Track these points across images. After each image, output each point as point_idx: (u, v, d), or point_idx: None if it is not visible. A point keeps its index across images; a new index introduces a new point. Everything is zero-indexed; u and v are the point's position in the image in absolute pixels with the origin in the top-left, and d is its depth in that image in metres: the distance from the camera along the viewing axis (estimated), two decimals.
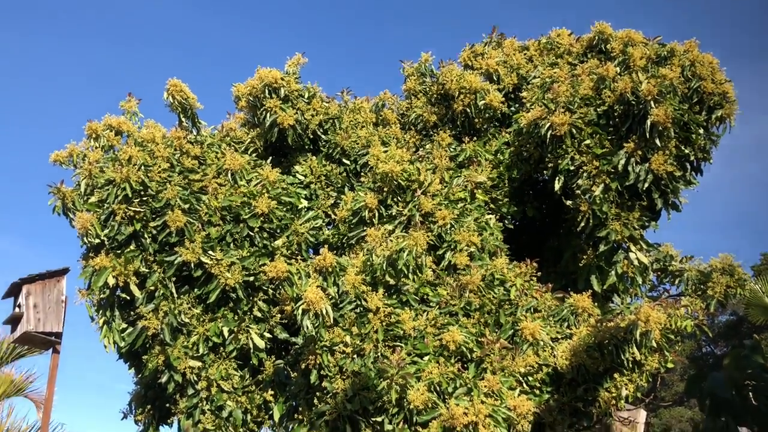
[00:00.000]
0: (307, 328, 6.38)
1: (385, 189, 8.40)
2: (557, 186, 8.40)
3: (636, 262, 7.87)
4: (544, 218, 9.67)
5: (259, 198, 8.19)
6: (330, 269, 6.95)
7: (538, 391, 6.41)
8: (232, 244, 8.07)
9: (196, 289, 7.86)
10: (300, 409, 7.11)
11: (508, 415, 5.87)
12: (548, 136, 8.32)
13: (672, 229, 8.68)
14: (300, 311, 6.36)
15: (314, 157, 9.38)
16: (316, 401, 6.76)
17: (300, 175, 9.21)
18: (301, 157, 9.39)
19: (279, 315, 8.12)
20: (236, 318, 7.90)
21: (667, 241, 9.24)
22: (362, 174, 9.08)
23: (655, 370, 6.14)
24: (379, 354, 6.66)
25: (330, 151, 9.44)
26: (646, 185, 7.79)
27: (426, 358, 6.69)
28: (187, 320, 7.71)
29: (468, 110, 9.51)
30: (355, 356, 6.70)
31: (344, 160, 9.45)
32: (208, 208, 8.10)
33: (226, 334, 7.81)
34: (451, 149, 9.43)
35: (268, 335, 8.07)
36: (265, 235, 8.24)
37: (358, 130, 9.60)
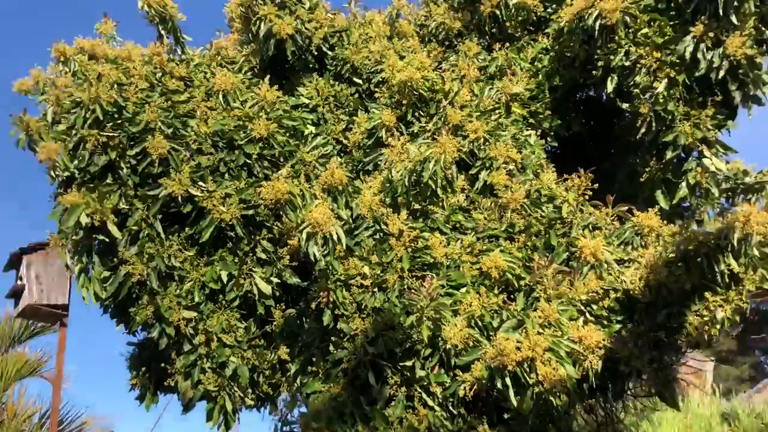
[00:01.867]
0: (315, 256, 5.14)
1: (404, 102, 7.10)
2: (610, 87, 7.02)
3: (713, 168, 6.48)
4: (591, 135, 8.29)
5: (257, 120, 6.94)
6: (340, 188, 5.68)
7: (605, 321, 5.11)
8: (226, 175, 6.83)
9: (187, 228, 6.67)
10: (314, 359, 5.92)
11: (573, 348, 4.59)
12: (597, 26, 6.91)
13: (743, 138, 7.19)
14: (304, 236, 5.12)
15: (320, 78, 8.09)
16: (331, 348, 5.55)
17: (305, 97, 7.93)
18: (305, 78, 8.11)
19: (287, 256, 6.90)
20: (236, 260, 6.69)
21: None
22: (377, 92, 7.77)
23: (756, 288, 4.79)
24: (405, 286, 5.42)
25: (338, 69, 8.14)
26: (721, 74, 6.36)
27: (463, 289, 5.43)
28: (178, 264, 6.53)
29: (498, 12, 8.14)
30: (375, 290, 5.47)
31: (355, 79, 8.14)
32: (196, 134, 6.88)
33: (225, 279, 6.61)
34: (480, 59, 8.07)
35: (275, 280, 6.86)
36: (266, 163, 6.99)
37: (370, 44, 8.27)
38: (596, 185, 6.17)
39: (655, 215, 6.04)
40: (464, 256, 5.76)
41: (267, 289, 6.73)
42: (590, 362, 4.59)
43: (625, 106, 6.92)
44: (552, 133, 7.76)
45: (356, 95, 8.11)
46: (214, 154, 6.90)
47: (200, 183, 6.59)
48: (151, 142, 6.46)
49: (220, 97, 7.20)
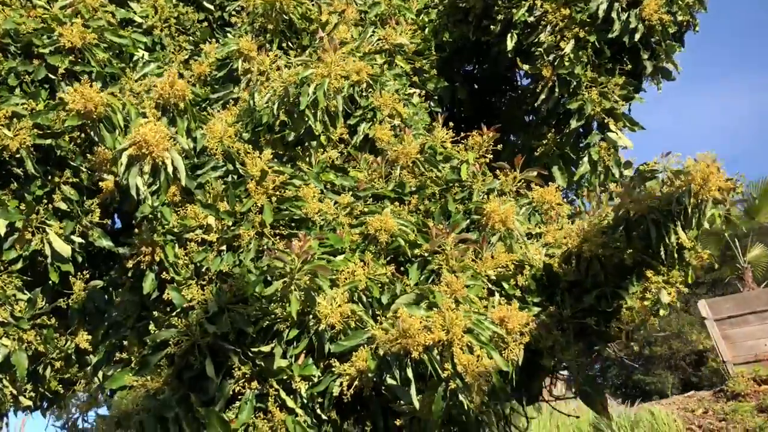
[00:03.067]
0: (137, 192, 3.55)
1: (270, 28, 5.67)
2: (510, 44, 6.11)
3: (621, 143, 5.74)
4: (478, 105, 7.36)
5: (69, 25, 5.15)
6: (182, 106, 4.13)
7: (519, 303, 4.03)
8: (17, 90, 4.99)
9: None
10: (126, 343, 4.27)
11: (494, 331, 3.43)
12: None
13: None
14: (124, 160, 3.52)
15: None
16: (152, 327, 3.95)
17: (138, 15, 6.20)
18: None
19: (98, 210, 5.17)
20: (23, 208, 4.85)
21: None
22: (235, 17, 6.25)
23: (703, 262, 3.96)
24: (265, 246, 3.99)
25: None
26: (637, 37, 5.66)
27: (340, 256, 4.10)
28: None
29: None
30: (223, 249, 3.97)
31: (206, 4, 6.56)
32: None
33: (2, 230, 4.75)
34: (359, 3, 6.84)
35: (78, 239, 5.10)
36: (76, 84, 5.20)
37: None
38: (500, 146, 5.14)
39: (556, 190, 5.11)
40: (342, 217, 4.46)
41: (65, 250, 4.95)
42: (513, 350, 3.46)
43: (525, 67, 6.01)
44: (436, 97, 6.70)
45: (206, 24, 6.53)
46: (1, 62, 5.02)
47: None
48: None
49: None
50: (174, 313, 3.77)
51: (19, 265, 4.85)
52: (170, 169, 3.60)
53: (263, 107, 4.31)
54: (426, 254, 4.27)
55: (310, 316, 3.67)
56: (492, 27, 6.23)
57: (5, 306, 4.78)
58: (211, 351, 3.71)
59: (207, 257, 3.88)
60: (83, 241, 5.15)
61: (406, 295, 3.76)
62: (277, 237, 4.05)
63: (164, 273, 3.88)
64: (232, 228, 3.94)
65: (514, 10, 6.04)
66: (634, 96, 5.87)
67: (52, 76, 5.08)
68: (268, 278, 3.74)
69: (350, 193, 4.78)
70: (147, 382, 3.76)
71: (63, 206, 5.08)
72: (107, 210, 5.79)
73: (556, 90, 5.85)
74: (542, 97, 5.94)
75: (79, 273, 5.21)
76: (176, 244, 3.94)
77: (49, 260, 4.95)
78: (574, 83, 5.80)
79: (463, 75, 7.16)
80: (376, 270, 4.03)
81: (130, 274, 4.41)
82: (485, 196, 4.71)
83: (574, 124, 5.73)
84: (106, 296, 5.20)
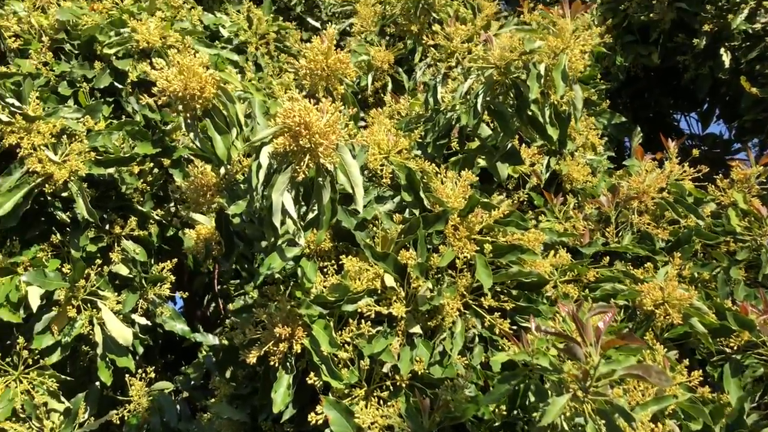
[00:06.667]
0: (282, 217, 1.88)
1: (412, 30, 4.16)
2: (726, 61, 4.52)
3: None
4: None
5: (146, 20, 3.70)
6: (340, 89, 2.49)
7: None
8: (71, 101, 3.50)
9: None
10: None
11: None
12: None
13: None
14: (264, 160, 1.88)
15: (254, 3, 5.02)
16: None
17: (228, 30, 4.77)
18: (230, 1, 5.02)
19: (170, 277, 3.55)
20: (67, 270, 3.25)
21: None
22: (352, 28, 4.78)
23: None
24: (474, 327, 2.25)
25: None
26: None
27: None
28: None
29: None
30: (415, 333, 2.23)
31: (311, 21, 5.16)
32: None
33: (35, 304, 3.13)
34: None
35: (141, 320, 3.48)
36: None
37: None
38: None
39: None
40: (561, 285, 2.73)
41: (125, 335, 3.32)
42: None
43: (753, 91, 4.37)
44: (606, 138, 5.07)
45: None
46: (52, 63, 3.57)
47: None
48: None
49: None
50: None
51: (56, 357, 3.20)
52: (338, 185, 1.95)
53: (456, 102, 2.68)
54: (729, 350, 2.50)
55: None
56: (695, 40, 4.65)
57: (32, 420, 3.07)
58: None
59: (389, 347, 2.14)
60: (148, 322, 3.52)
61: None
62: (497, 313, 2.31)
63: (311, 376, 2.15)
64: (431, 295, 2.20)
65: (730, 16, 4.47)
66: None
67: (119, 85, 3.59)
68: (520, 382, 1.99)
69: (560, 248, 3.06)
70: None
71: (123, 271, 3.49)
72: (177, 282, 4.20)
73: None
74: None
75: (139, 370, 3.54)
76: (330, 324, 2.21)
77: (99, 351, 3.30)
78: None
79: (632, 112, 5.55)
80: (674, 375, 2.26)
81: (229, 374, 2.69)
82: None
83: None
84: (178, 407, 3.48)
